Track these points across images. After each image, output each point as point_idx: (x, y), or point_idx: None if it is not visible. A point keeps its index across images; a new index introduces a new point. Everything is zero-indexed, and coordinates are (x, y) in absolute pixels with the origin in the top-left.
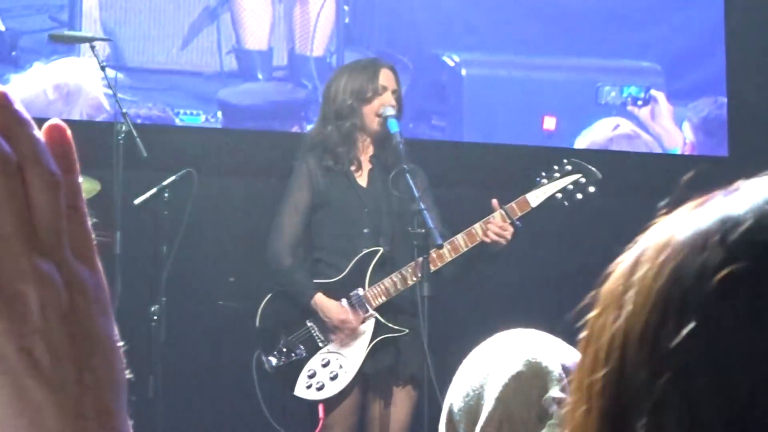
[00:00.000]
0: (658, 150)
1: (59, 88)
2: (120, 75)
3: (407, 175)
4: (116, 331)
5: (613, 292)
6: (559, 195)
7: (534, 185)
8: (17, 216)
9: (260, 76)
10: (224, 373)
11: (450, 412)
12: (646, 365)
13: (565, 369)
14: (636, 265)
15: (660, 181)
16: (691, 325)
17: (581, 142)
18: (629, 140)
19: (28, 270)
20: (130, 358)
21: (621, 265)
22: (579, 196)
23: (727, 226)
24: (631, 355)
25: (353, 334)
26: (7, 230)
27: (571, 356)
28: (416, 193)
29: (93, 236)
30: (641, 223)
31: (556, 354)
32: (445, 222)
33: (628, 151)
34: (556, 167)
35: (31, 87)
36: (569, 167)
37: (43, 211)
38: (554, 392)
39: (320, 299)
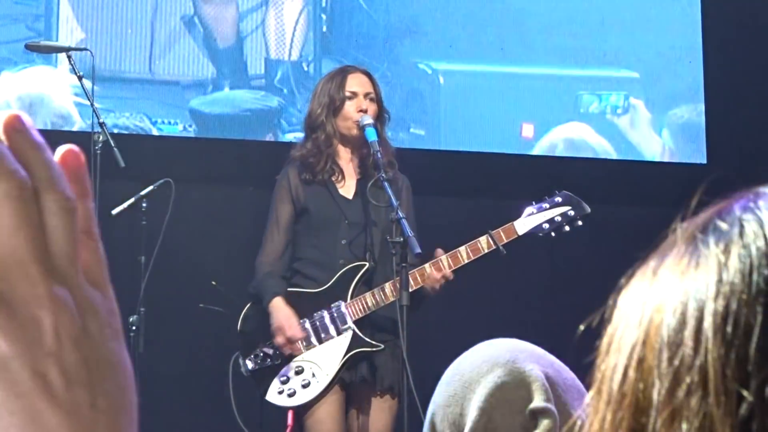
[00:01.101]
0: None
1: (21, 99)
2: (96, 86)
3: (385, 183)
4: (128, 356)
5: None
6: (547, 225)
7: (522, 213)
8: (33, 241)
9: (230, 74)
10: (202, 381)
11: (432, 423)
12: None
13: (548, 378)
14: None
15: (639, 187)
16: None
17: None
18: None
19: (43, 294)
20: None
21: (639, 277)
22: (566, 228)
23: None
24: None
25: (288, 342)
26: (23, 255)
27: (554, 365)
28: (395, 202)
29: (105, 261)
30: (620, 229)
31: (539, 363)
32: (420, 231)
33: (610, 159)
34: (546, 197)
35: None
36: (559, 198)
37: (58, 236)
38: (538, 402)
39: (276, 303)
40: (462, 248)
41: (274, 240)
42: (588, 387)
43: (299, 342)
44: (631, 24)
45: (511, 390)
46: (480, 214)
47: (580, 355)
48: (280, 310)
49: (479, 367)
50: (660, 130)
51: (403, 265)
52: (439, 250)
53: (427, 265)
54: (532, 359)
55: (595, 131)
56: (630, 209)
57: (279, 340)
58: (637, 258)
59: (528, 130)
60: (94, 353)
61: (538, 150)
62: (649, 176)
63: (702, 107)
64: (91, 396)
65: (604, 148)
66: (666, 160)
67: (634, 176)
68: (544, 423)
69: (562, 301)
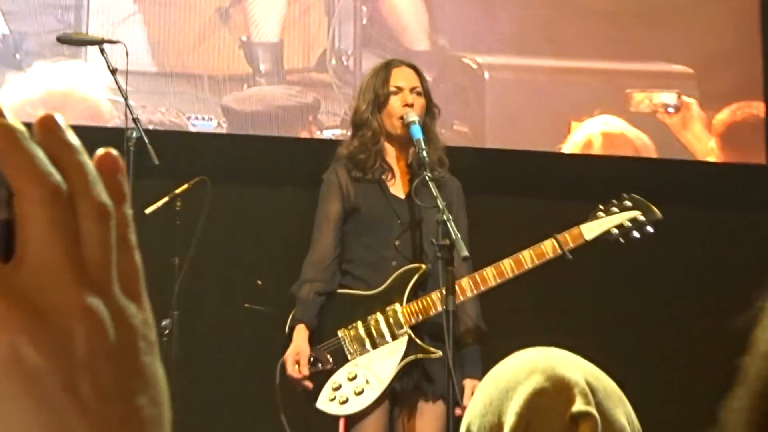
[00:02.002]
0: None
1: (51, 94)
2: (129, 80)
3: (430, 183)
4: (162, 370)
5: None
6: (615, 231)
7: (589, 217)
8: (66, 248)
9: (266, 69)
10: (244, 388)
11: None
12: None
13: (588, 383)
14: None
15: (692, 189)
16: None
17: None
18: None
19: (76, 305)
20: None
21: None
22: (636, 234)
23: None
24: None
25: (292, 379)
26: (56, 262)
27: (594, 372)
28: (440, 203)
29: (142, 270)
30: (677, 232)
31: (579, 369)
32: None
33: (661, 158)
34: (614, 201)
35: (28, 90)
36: (629, 203)
37: (92, 244)
38: (579, 406)
39: (298, 331)
40: (525, 252)
41: (323, 239)
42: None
43: (347, 351)
44: (686, 17)
45: (551, 395)
46: (524, 216)
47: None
48: (293, 342)
49: (516, 374)
50: (714, 129)
51: (449, 268)
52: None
53: (527, 252)
54: (571, 365)
55: (645, 130)
56: (684, 210)
57: (288, 365)
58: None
59: (576, 129)
60: (127, 367)
61: (571, 146)
62: (704, 177)
63: (761, 105)
64: (124, 411)
65: (643, 142)
66: (721, 161)
67: (688, 177)
68: (585, 427)
69: (618, 308)
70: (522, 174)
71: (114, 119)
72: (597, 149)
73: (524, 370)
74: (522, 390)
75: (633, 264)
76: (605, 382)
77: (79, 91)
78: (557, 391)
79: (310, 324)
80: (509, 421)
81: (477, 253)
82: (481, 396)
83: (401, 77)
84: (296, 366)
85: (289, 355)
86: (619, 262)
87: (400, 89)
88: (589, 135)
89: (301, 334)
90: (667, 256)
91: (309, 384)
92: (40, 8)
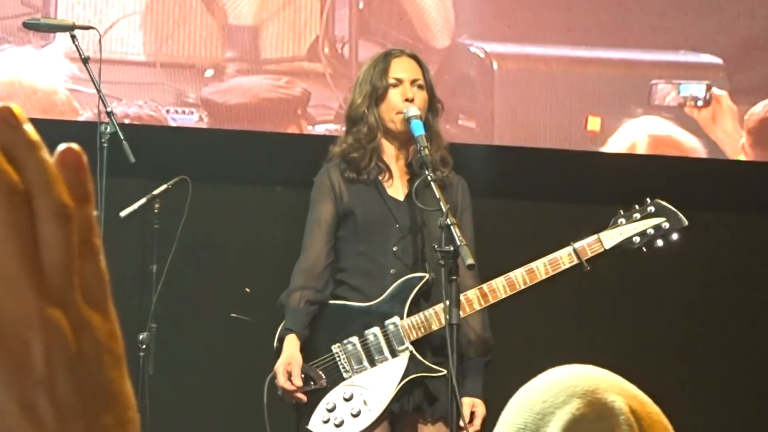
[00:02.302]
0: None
1: (8, 84)
2: (103, 70)
3: (432, 185)
4: (130, 386)
5: None
6: (637, 239)
7: (610, 224)
8: (23, 252)
9: (252, 58)
10: (229, 407)
11: None
12: None
13: (633, 411)
14: None
15: (723, 189)
16: None
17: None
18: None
19: (34, 314)
20: None
21: None
22: (659, 242)
23: None
24: None
25: (284, 391)
26: (11, 268)
27: (638, 396)
28: (443, 206)
29: (107, 278)
30: (704, 237)
31: (622, 393)
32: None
33: (688, 156)
34: (637, 206)
35: None
36: (652, 208)
37: (51, 248)
38: None
39: (288, 341)
40: (539, 262)
41: (315, 244)
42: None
43: (342, 368)
44: (715, 2)
45: (591, 423)
46: (536, 221)
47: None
48: (284, 352)
49: (554, 397)
50: (746, 124)
51: (453, 278)
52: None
53: (541, 262)
54: (614, 389)
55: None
56: (712, 214)
57: (279, 383)
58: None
59: (594, 124)
60: (90, 382)
61: (609, 148)
62: (736, 177)
63: None
64: (86, 431)
65: (694, 145)
66: (754, 159)
67: (719, 176)
68: None
69: (644, 316)
70: (534, 174)
71: (72, 112)
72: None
73: (562, 392)
74: (560, 416)
75: (657, 271)
76: (649, 408)
77: (27, 81)
78: (598, 417)
79: (302, 334)
80: None
81: (484, 262)
82: (513, 418)
83: (401, 68)
84: (288, 377)
85: (280, 366)
86: (643, 268)
87: (399, 81)
88: (633, 140)
89: (292, 344)
90: (693, 261)
91: (303, 397)
92: None
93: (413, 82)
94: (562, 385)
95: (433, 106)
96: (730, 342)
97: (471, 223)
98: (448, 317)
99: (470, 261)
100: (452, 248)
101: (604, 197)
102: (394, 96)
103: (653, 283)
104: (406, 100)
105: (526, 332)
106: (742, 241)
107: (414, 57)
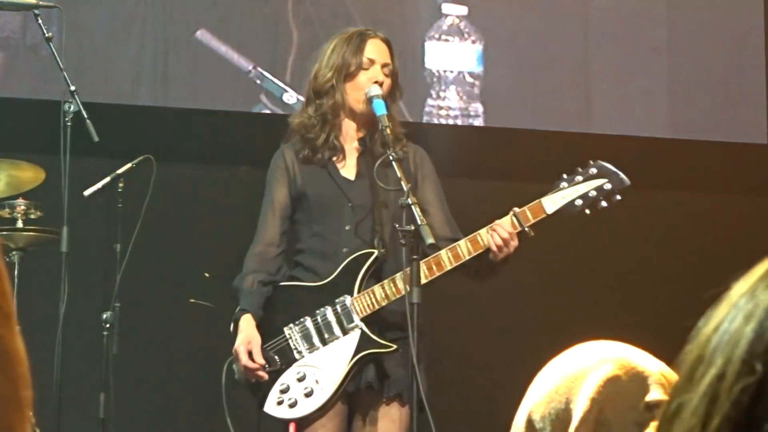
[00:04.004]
0: None
1: None
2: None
3: (394, 164)
4: (21, 342)
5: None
6: (580, 201)
7: (552, 188)
8: None
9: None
10: (190, 389)
11: (529, 421)
12: None
13: (663, 375)
14: None
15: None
16: None
17: None
18: None
19: None
20: (77, 373)
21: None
22: (603, 203)
23: None
24: None
25: (245, 371)
26: None
27: (665, 367)
28: (405, 185)
29: None
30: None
31: (651, 361)
32: (459, 224)
33: (694, 139)
34: (579, 169)
35: None
36: (594, 170)
37: None
38: (655, 394)
39: (244, 320)
40: (482, 231)
41: (268, 226)
42: None
43: (294, 349)
44: None
45: (624, 384)
46: (514, 199)
47: None
48: (241, 331)
49: (585, 362)
50: None
51: (414, 257)
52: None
53: (484, 230)
54: (643, 357)
55: None
56: (680, 194)
57: (237, 366)
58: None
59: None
60: None
61: None
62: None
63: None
64: None
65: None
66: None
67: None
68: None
69: (598, 295)
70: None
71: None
72: None
73: (593, 358)
74: (594, 377)
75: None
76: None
77: None
78: (631, 379)
79: (257, 314)
80: (580, 406)
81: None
82: (543, 383)
83: (375, 50)
84: (249, 356)
85: (240, 345)
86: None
87: (372, 62)
88: None
89: (248, 323)
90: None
91: (264, 375)
92: None
93: (384, 65)
94: (593, 352)
95: (393, 92)
96: None
97: (437, 188)
98: (408, 296)
99: (430, 240)
100: (413, 227)
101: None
102: (364, 77)
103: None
104: (376, 82)
105: (525, 312)
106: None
107: (387, 42)
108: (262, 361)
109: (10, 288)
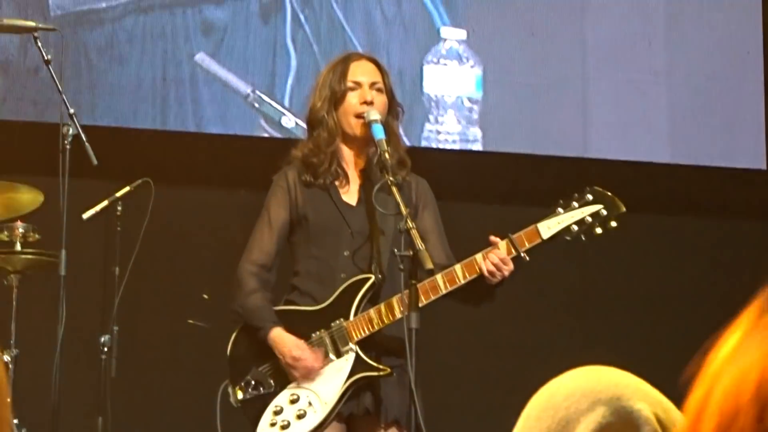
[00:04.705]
0: None
1: None
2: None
3: (393, 188)
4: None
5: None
6: (575, 227)
7: (547, 214)
8: None
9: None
10: (185, 412)
11: None
12: None
13: (659, 420)
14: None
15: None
16: None
17: None
18: None
19: None
20: (75, 396)
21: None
22: (598, 230)
23: None
24: None
25: (310, 374)
26: None
27: (663, 403)
28: (404, 210)
29: None
30: (661, 239)
31: (647, 399)
32: (456, 248)
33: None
34: (576, 195)
35: None
36: (590, 196)
37: None
38: None
39: (276, 334)
40: (478, 255)
41: (264, 241)
42: None
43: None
44: None
45: (618, 430)
46: (512, 223)
47: None
48: (285, 340)
49: (578, 402)
50: None
51: (412, 282)
52: (493, 238)
53: (480, 254)
54: (639, 396)
55: None
56: (676, 218)
57: (300, 372)
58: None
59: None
60: None
61: None
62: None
63: None
64: None
65: None
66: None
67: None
68: None
69: (594, 319)
70: (507, 178)
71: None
72: None
73: (586, 398)
74: (585, 423)
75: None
76: (674, 416)
77: None
78: (624, 427)
79: (278, 324)
80: None
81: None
82: (535, 422)
83: (360, 71)
84: (304, 356)
85: (293, 350)
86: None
87: (358, 84)
88: None
89: (281, 333)
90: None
91: (323, 363)
92: None
93: (372, 85)
94: (585, 390)
95: (392, 110)
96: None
97: (437, 217)
98: (406, 321)
99: (429, 265)
100: (411, 252)
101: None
102: (352, 99)
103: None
104: (364, 102)
105: (521, 335)
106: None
107: (373, 60)
108: (319, 354)
109: None
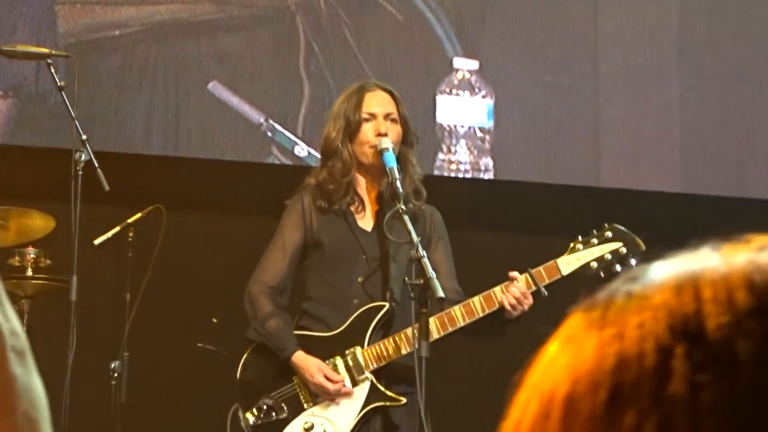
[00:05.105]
0: None
1: None
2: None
3: (405, 216)
4: (39, 383)
5: None
6: (595, 264)
7: (567, 250)
8: None
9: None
10: None
11: None
12: None
13: None
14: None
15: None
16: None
17: None
18: None
19: None
20: (85, 422)
21: None
22: (617, 268)
23: None
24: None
25: (333, 398)
26: None
27: None
28: (415, 238)
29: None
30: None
31: None
32: (468, 276)
33: (705, 194)
34: (595, 231)
35: None
36: (609, 233)
37: None
38: None
39: (299, 357)
40: (497, 289)
41: (277, 263)
42: None
43: (302, 398)
44: None
45: None
46: (524, 253)
47: None
48: (308, 365)
49: None
50: None
51: (423, 310)
52: (512, 273)
53: (498, 288)
54: None
55: None
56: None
57: (324, 396)
58: None
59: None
60: None
61: None
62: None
63: None
64: None
65: None
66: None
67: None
68: None
69: None
70: (520, 207)
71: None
72: None
73: None
74: None
75: None
76: None
77: None
78: None
79: (296, 347)
80: None
81: (472, 293)
82: None
83: (375, 102)
84: (326, 378)
85: (315, 375)
86: None
87: (373, 116)
88: None
89: (303, 356)
90: None
91: (349, 389)
92: None
93: (387, 116)
94: None
95: (407, 139)
96: None
97: (448, 251)
98: (416, 350)
99: (440, 294)
100: (422, 281)
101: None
102: (367, 130)
103: None
104: (379, 134)
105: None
106: None
107: (388, 91)
108: (341, 378)
109: (21, 329)
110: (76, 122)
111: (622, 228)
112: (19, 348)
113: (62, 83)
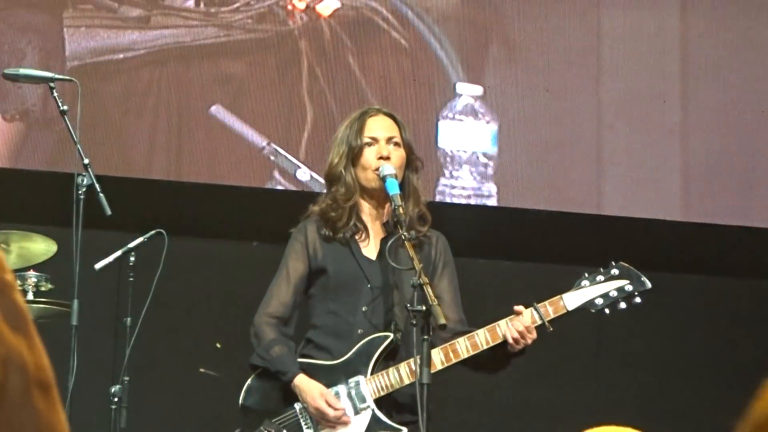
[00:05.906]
0: None
1: None
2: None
3: (407, 243)
4: (63, 418)
5: None
6: (600, 300)
7: (573, 285)
8: None
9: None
10: None
11: None
12: None
13: None
14: None
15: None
16: None
17: None
18: None
19: None
20: None
21: None
22: (623, 305)
23: None
24: None
25: (333, 426)
26: None
27: None
28: (417, 265)
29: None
30: (678, 299)
31: None
32: (468, 302)
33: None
34: (601, 269)
35: None
36: (616, 271)
37: None
38: None
39: (301, 380)
40: (502, 322)
41: (282, 294)
42: None
43: (304, 425)
44: None
45: None
46: (526, 280)
47: None
48: (309, 388)
49: None
50: None
51: (425, 338)
52: (517, 308)
53: (504, 321)
54: None
55: None
56: (688, 276)
57: (328, 420)
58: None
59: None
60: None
61: None
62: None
63: None
64: None
65: None
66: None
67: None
68: None
69: (608, 382)
70: (524, 234)
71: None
72: None
73: None
74: None
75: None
76: None
77: None
78: None
79: (299, 371)
80: None
81: (475, 322)
82: None
83: (377, 127)
84: (328, 404)
85: (317, 398)
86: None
87: (375, 140)
88: None
89: (305, 379)
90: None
91: (349, 418)
92: None
93: (389, 140)
94: None
95: (411, 164)
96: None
97: (453, 278)
98: (418, 377)
99: (442, 321)
100: (424, 307)
101: (587, 259)
102: (369, 155)
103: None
104: (381, 158)
105: (535, 394)
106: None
107: (390, 115)
108: (342, 406)
109: (48, 362)
110: (79, 146)
111: (629, 266)
112: (45, 383)
113: (65, 107)
